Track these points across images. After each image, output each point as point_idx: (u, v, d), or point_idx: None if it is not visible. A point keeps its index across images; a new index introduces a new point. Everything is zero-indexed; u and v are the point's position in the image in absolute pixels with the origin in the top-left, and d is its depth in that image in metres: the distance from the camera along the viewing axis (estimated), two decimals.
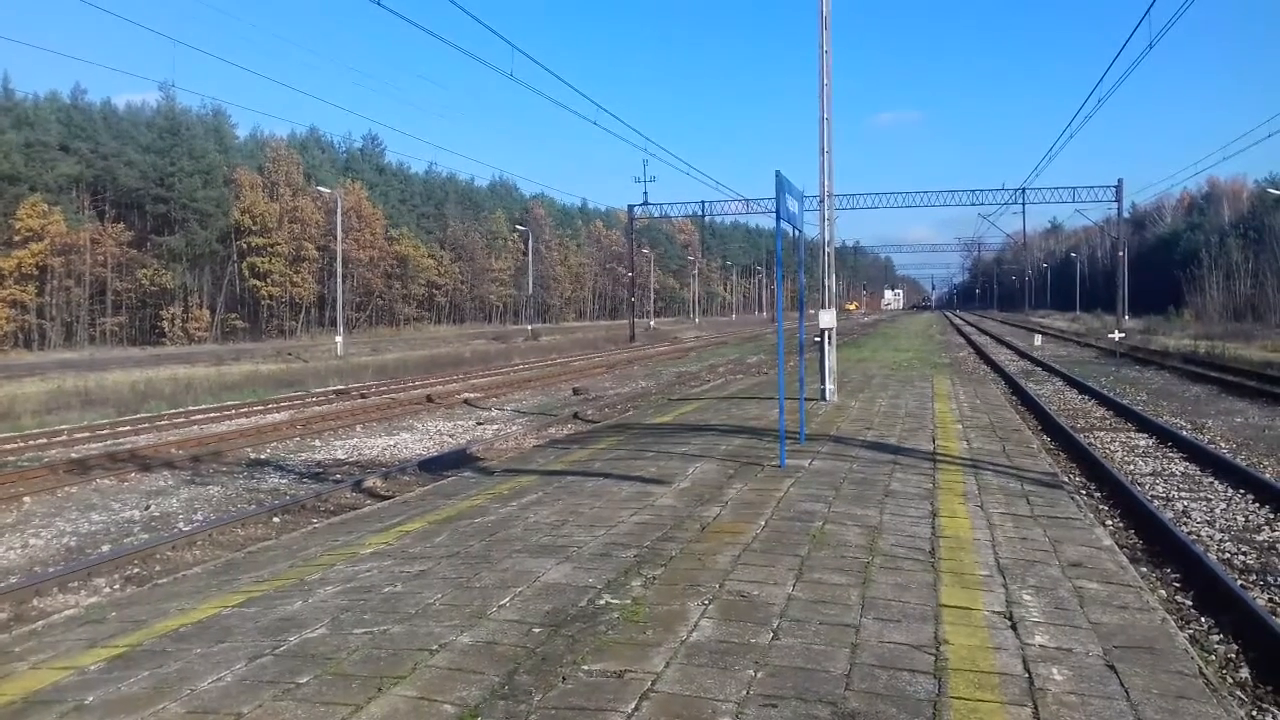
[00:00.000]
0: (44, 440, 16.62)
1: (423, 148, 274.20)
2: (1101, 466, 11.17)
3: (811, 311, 25.18)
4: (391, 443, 16.56)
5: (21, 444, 16.09)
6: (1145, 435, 14.40)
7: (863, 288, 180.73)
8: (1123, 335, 41.19)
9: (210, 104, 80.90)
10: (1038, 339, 45.53)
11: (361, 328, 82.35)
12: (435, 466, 13.19)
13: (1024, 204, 55.42)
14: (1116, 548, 6.41)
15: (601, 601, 4.85)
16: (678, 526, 6.62)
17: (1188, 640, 4.73)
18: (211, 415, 20.28)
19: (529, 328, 74.72)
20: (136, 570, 8.51)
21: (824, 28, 15.30)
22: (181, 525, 10.46)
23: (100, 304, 69.84)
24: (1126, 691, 3.75)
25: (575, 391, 25.21)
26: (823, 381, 15.94)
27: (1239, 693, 4.81)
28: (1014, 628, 4.49)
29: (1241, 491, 9.97)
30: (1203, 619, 6.00)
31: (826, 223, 16.42)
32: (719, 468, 9.23)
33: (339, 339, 48.58)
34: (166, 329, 71.34)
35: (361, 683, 3.80)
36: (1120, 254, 57.41)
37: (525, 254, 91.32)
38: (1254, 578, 6.98)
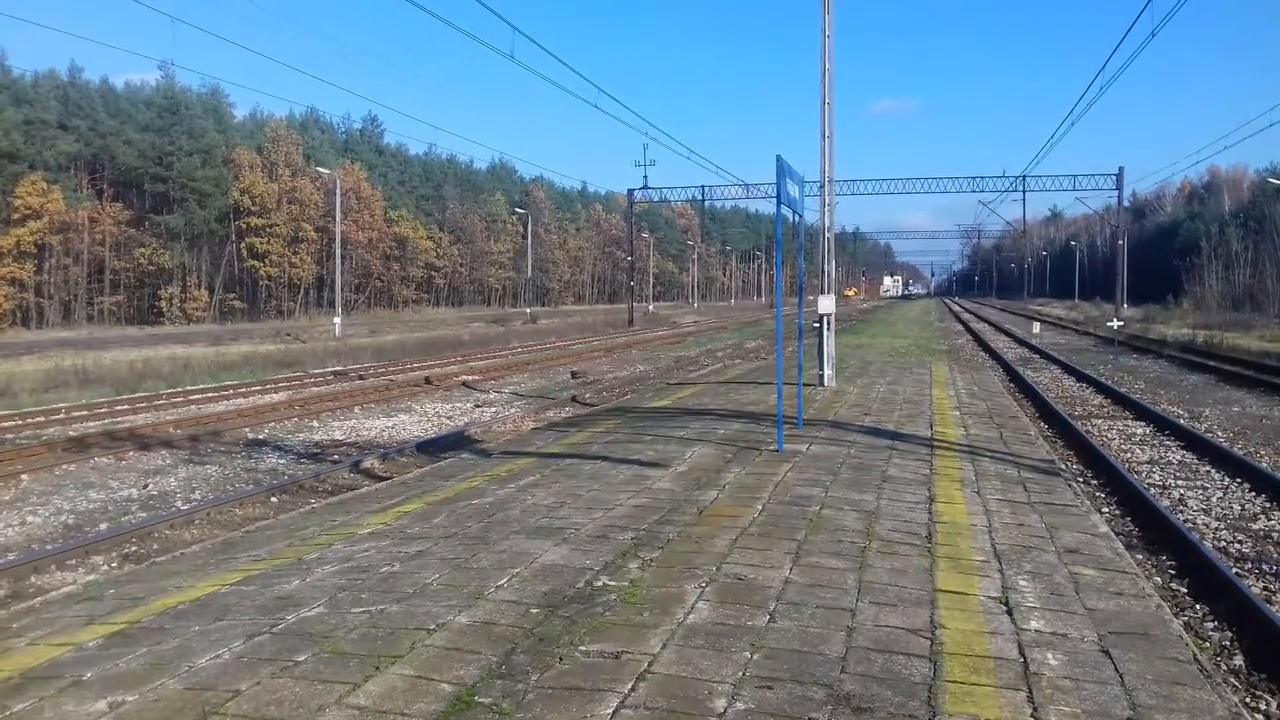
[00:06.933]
0: (42, 418, 16.61)
1: (422, 129, 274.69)
2: (1098, 454, 11.19)
3: (811, 297, 25.18)
4: (390, 424, 16.56)
5: (19, 422, 16.09)
6: (1142, 423, 14.42)
7: (862, 274, 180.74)
8: (1121, 324, 41.20)
9: (209, 83, 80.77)
10: (1036, 326, 45.51)
11: (360, 309, 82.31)
12: (433, 448, 13.20)
13: (1024, 191, 55.23)
14: (1113, 534, 6.43)
15: (599, 583, 4.87)
16: (675, 510, 6.63)
17: (1182, 627, 4.75)
18: (209, 395, 20.29)
19: (528, 311, 74.69)
20: (134, 548, 8.52)
21: (826, 11, 15.22)
22: (179, 504, 10.47)
23: (98, 283, 69.75)
24: (1121, 677, 3.77)
25: (573, 375, 25.21)
26: (821, 367, 15.95)
27: (1233, 679, 4.84)
28: (1009, 613, 4.50)
29: (1238, 480, 9.99)
30: (1198, 606, 6.03)
31: (827, 208, 16.38)
32: (717, 451, 9.23)
33: (337, 320, 48.50)
34: (164, 309, 71.30)
35: (359, 661, 3.81)
36: (1120, 242, 57.34)
37: (524, 237, 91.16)
38: (1249, 566, 7.02)
